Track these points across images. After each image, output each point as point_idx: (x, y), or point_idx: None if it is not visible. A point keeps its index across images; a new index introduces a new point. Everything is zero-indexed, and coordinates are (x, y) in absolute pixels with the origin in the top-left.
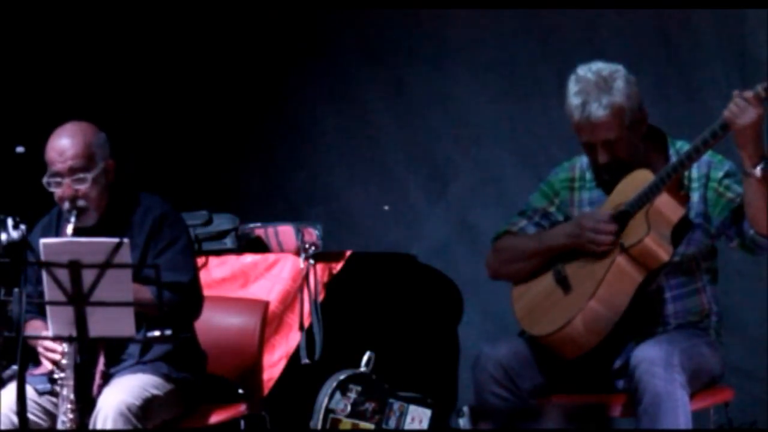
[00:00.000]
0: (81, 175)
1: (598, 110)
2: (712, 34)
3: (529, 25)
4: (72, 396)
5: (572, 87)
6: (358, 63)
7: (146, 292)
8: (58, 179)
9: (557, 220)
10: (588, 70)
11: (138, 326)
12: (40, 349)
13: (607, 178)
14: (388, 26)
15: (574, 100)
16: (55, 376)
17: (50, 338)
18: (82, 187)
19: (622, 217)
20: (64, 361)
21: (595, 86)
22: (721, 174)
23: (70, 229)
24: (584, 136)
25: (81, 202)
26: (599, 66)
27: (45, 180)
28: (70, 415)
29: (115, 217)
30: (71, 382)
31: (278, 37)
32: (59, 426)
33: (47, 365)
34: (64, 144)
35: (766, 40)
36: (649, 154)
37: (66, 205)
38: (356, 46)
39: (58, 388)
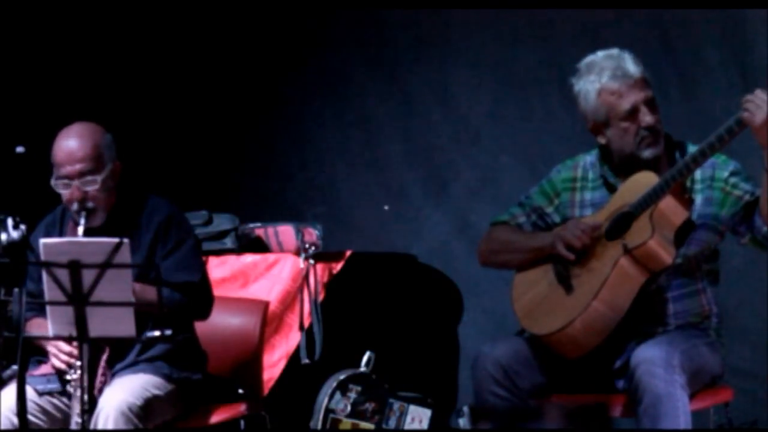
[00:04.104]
0: (90, 178)
1: (633, 66)
2: (712, 34)
3: (529, 25)
4: (86, 397)
5: (593, 69)
6: (358, 63)
7: (155, 293)
8: (67, 181)
9: (554, 221)
10: (594, 55)
11: (145, 325)
12: (52, 349)
13: (613, 180)
14: (388, 26)
15: (604, 73)
16: (68, 377)
17: (50, 338)
18: (91, 189)
19: (626, 218)
20: (78, 363)
21: (614, 56)
22: (726, 173)
23: (80, 230)
24: (628, 99)
25: (90, 204)
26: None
27: (53, 182)
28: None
29: (122, 218)
30: (85, 384)
31: (278, 38)
32: (73, 427)
33: (56, 364)
34: (73, 146)
35: (766, 41)
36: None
37: (75, 207)
38: (356, 46)
39: (71, 390)
